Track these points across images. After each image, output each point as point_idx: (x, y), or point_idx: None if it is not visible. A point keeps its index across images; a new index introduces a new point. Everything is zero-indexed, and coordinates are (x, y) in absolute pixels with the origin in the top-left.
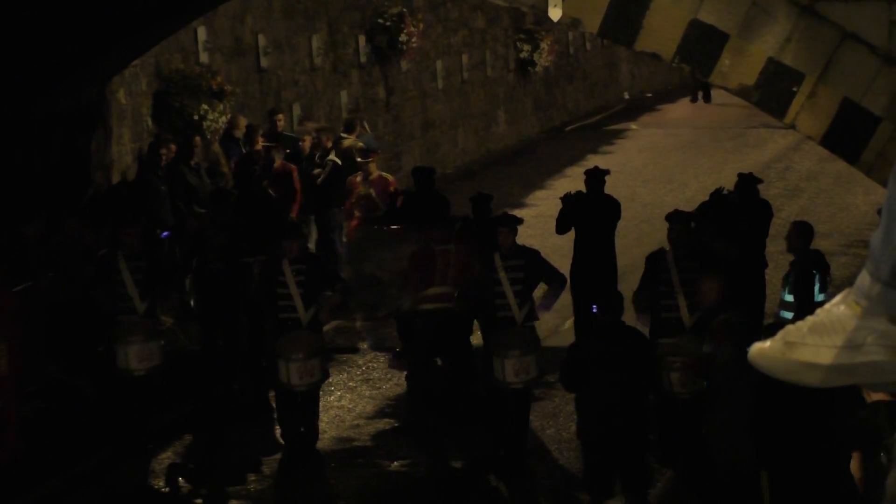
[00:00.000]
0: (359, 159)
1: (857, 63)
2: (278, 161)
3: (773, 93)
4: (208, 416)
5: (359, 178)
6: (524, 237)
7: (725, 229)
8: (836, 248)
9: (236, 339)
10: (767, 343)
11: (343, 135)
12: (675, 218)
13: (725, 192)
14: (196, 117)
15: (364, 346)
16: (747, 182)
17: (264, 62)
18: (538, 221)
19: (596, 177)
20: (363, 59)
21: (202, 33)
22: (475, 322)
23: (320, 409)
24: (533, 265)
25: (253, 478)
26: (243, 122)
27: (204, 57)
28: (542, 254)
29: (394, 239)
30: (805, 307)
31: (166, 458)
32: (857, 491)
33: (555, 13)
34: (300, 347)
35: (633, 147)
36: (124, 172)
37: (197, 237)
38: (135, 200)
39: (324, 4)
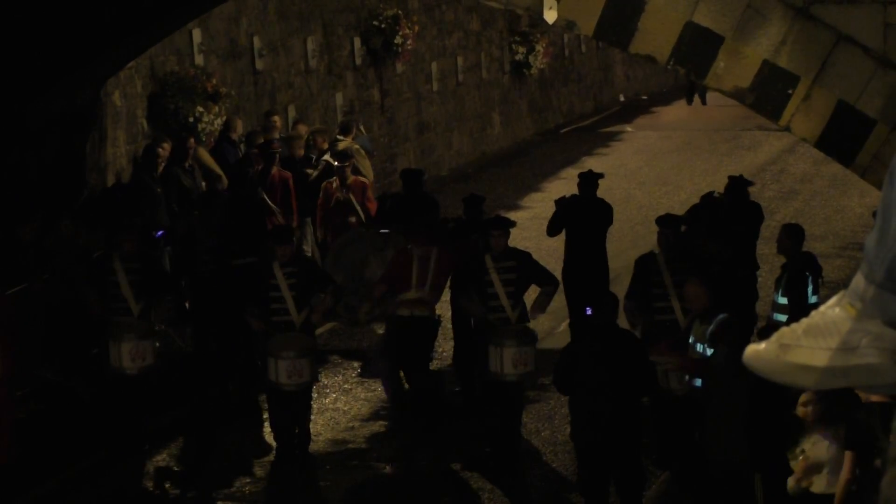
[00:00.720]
0: (335, 164)
1: (852, 65)
2: (275, 169)
3: (768, 95)
4: (201, 418)
5: (335, 184)
6: (519, 239)
7: (716, 231)
8: (830, 251)
9: (229, 341)
10: (762, 345)
11: (339, 137)
12: (664, 222)
13: (716, 195)
14: (191, 119)
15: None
16: (738, 184)
17: (259, 64)
18: (533, 223)
19: (589, 180)
20: (358, 61)
21: (197, 35)
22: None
23: (315, 411)
24: (525, 267)
25: (246, 480)
26: (240, 124)
27: (199, 59)
28: (537, 256)
29: (380, 242)
30: (798, 309)
31: (161, 460)
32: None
33: (550, 15)
34: (291, 346)
35: (628, 149)
36: (119, 174)
37: (189, 239)
38: (130, 202)
39: (318, 6)
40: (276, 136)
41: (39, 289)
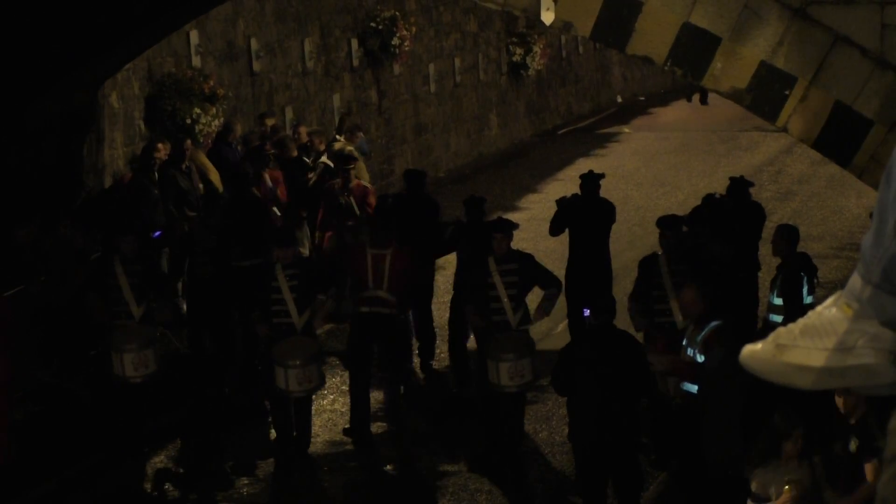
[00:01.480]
0: (334, 165)
1: (850, 66)
2: (267, 171)
3: (765, 96)
4: (200, 420)
5: (337, 186)
6: (517, 240)
7: (719, 232)
8: (828, 251)
9: (227, 342)
10: (759, 345)
11: (338, 137)
12: (665, 223)
13: (718, 196)
14: (188, 121)
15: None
16: (739, 185)
17: (256, 66)
18: (531, 225)
19: (591, 180)
20: (355, 62)
21: (194, 37)
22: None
23: (313, 412)
24: (527, 269)
25: (245, 481)
26: (239, 128)
27: (196, 61)
28: (536, 258)
29: (378, 242)
30: (793, 310)
31: (159, 461)
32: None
33: (547, 17)
34: (298, 354)
35: (626, 150)
36: (116, 176)
37: (186, 241)
38: (127, 204)
39: (316, 8)
40: (269, 135)
41: (37, 290)
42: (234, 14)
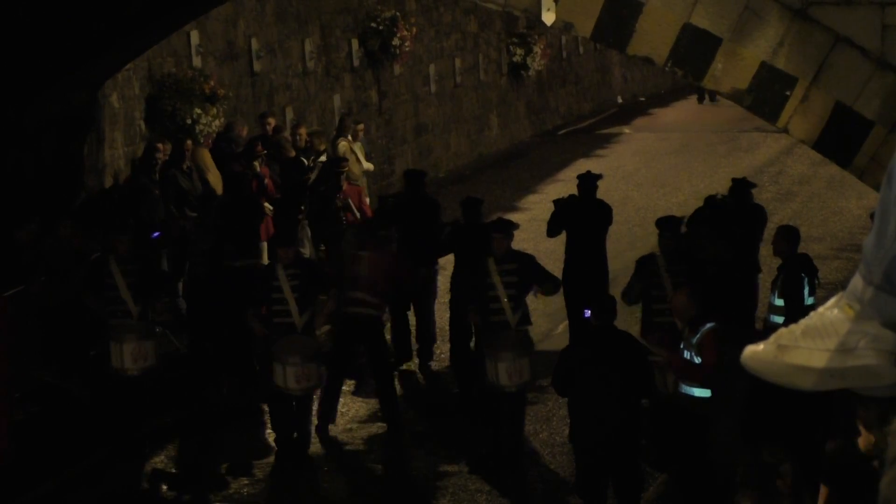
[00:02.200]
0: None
1: (850, 67)
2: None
3: (765, 97)
4: (198, 420)
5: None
6: (517, 241)
7: (718, 233)
8: (828, 252)
9: (224, 342)
10: (760, 346)
11: (340, 138)
12: (664, 224)
13: (719, 197)
14: (189, 121)
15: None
16: (741, 187)
17: (257, 66)
18: (531, 225)
19: (588, 181)
20: (356, 62)
21: (195, 37)
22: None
23: (313, 412)
24: (527, 270)
25: (245, 481)
26: (243, 130)
27: (196, 61)
28: (535, 258)
29: (377, 242)
30: (794, 311)
31: (159, 461)
32: None
33: (548, 17)
34: (297, 352)
35: (626, 151)
36: (117, 176)
37: (185, 241)
38: (127, 204)
39: (316, 8)
40: (270, 136)
41: (37, 290)
42: (235, 14)
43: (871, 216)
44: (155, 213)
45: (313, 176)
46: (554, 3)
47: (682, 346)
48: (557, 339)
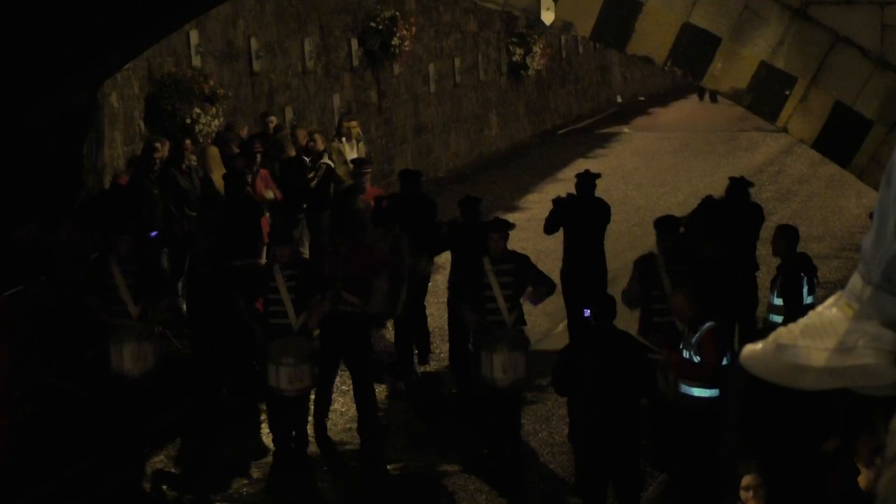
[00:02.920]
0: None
1: (850, 66)
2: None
3: (765, 96)
4: (198, 420)
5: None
6: (516, 241)
7: (716, 232)
8: (828, 252)
9: (225, 342)
10: (759, 345)
11: (337, 139)
12: (662, 225)
13: (716, 198)
14: (188, 121)
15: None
16: (738, 186)
17: (256, 66)
18: (530, 225)
19: (586, 180)
20: (355, 62)
21: (194, 37)
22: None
23: (312, 412)
24: (523, 270)
25: (244, 482)
26: (242, 129)
27: (196, 61)
28: (534, 257)
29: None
30: (793, 310)
31: (159, 462)
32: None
33: (547, 17)
34: (292, 353)
35: (626, 150)
36: (116, 176)
37: (185, 241)
38: (126, 204)
39: (316, 8)
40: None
41: (37, 290)
42: (234, 14)
43: (871, 215)
44: (154, 213)
45: (314, 176)
46: (553, 3)
47: (681, 346)
48: (556, 338)
